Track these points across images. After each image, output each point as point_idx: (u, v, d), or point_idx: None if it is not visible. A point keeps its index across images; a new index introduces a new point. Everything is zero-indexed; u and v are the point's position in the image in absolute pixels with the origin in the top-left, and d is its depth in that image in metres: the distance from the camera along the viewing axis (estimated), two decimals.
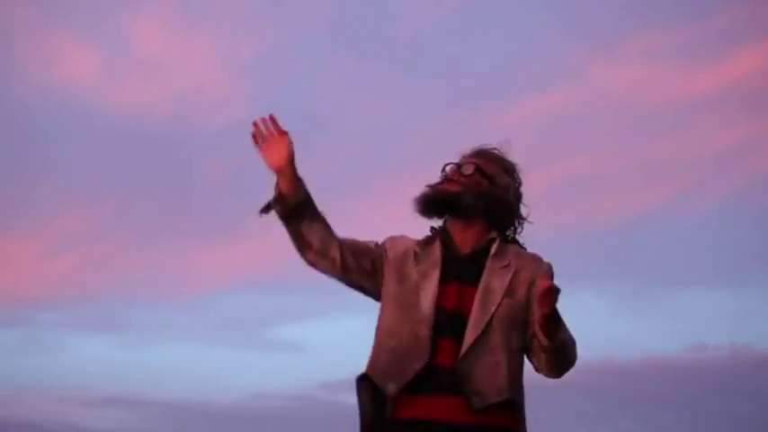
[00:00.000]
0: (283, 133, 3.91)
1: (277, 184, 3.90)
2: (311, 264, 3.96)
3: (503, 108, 10.40)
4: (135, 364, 10.86)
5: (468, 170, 3.93)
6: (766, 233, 10.61)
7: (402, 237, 3.98)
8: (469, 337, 3.75)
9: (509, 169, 3.98)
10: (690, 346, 10.72)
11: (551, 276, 3.88)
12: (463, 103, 10.29)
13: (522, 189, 4.00)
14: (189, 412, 10.95)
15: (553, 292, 3.59)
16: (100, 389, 10.95)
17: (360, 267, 3.93)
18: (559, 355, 3.76)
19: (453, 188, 3.90)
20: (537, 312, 3.67)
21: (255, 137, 3.94)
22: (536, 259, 3.91)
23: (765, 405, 10.17)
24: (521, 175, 4.00)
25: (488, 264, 3.86)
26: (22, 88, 10.84)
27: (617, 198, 10.92)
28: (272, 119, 3.93)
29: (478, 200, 3.89)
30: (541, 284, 3.63)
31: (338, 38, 10.67)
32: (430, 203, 3.92)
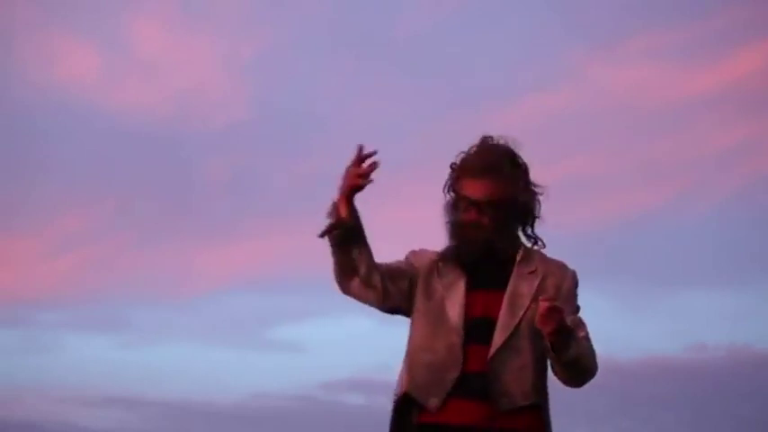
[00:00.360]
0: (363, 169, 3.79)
1: (335, 208, 3.83)
2: (353, 293, 3.91)
3: (503, 108, 10.41)
4: (135, 364, 10.87)
5: (486, 208, 3.82)
6: (766, 233, 10.61)
7: (422, 251, 3.96)
8: (498, 339, 3.76)
9: (518, 175, 3.88)
10: (690, 346, 10.73)
11: (576, 284, 3.90)
12: (463, 103, 10.31)
13: (529, 171, 3.90)
14: (189, 412, 10.96)
15: (553, 312, 3.59)
16: (100, 389, 10.96)
17: (399, 291, 3.90)
18: (571, 369, 3.76)
19: (481, 236, 3.83)
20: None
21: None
22: (561, 266, 3.91)
23: (765, 405, 10.17)
24: (523, 159, 3.89)
25: (515, 270, 3.85)
26: (22, 88, 10.85)
27: (617, 198, 10.93)
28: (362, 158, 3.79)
29: (502, 231, 3.85)
30: (541, 305, 3.61)
31: (338, 38, 10.68)
32: (467, 260, 3.85)
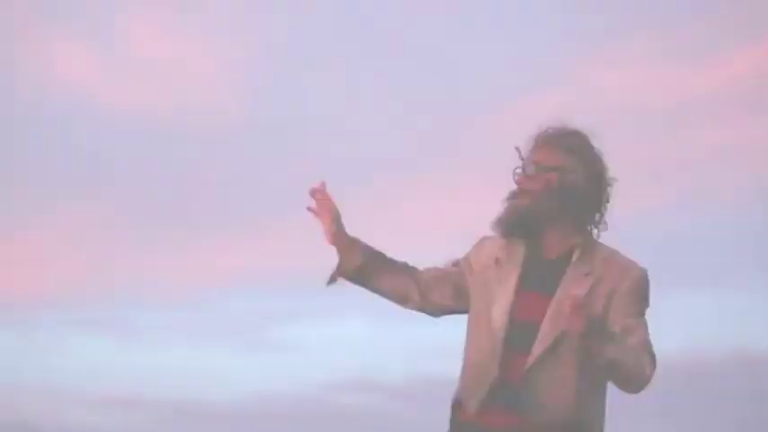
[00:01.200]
0: (321, 202, 3.86)
1: (339, 252, 3.86)
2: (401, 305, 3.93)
3: (503, 108, 10.41)
4: (135, 364, 10.87)
5: (532, 172, 3.69)
6: (766, 233, 10.61)
7: (490, 239, 3.81)
8: (537, 349, 3.60)
9: (574, 147, 3.72)
10: (690, 347, 10.72)
11: (640, 284, 3.69)
12: (463, 103, 10.30)
13: (603, 156, 3.78)
14: (189, 412, 10.96)
15: (578, 309, 3.40)
16: (100, 389, 10.97)
17: (441, 296, 3.84)
18: (608, 374, 3.57)
19: (523, 202, 3.68)
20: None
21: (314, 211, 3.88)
22: (625, 266, 3.72)
23: (765, 405, 10.17)
24: (593, 141, 3.76)
25: (569, 271, 3.66)
26: (22, 88, 10.86)
27: (617, 198, 10.90)
28: (316, 190, 3.87)
29: (552, 201, 3.67)
30: (565, 304, 3.44)
31: (338, 38, 10.69)
32: (507, 228, 3.71)
